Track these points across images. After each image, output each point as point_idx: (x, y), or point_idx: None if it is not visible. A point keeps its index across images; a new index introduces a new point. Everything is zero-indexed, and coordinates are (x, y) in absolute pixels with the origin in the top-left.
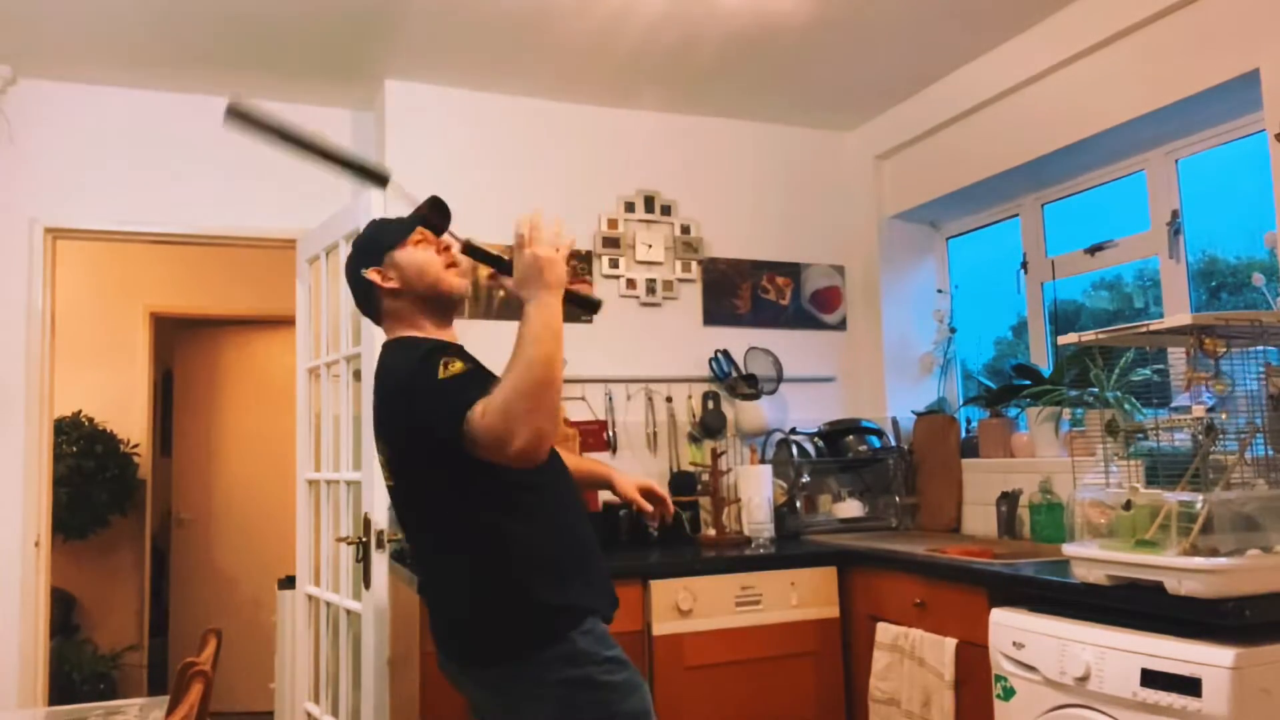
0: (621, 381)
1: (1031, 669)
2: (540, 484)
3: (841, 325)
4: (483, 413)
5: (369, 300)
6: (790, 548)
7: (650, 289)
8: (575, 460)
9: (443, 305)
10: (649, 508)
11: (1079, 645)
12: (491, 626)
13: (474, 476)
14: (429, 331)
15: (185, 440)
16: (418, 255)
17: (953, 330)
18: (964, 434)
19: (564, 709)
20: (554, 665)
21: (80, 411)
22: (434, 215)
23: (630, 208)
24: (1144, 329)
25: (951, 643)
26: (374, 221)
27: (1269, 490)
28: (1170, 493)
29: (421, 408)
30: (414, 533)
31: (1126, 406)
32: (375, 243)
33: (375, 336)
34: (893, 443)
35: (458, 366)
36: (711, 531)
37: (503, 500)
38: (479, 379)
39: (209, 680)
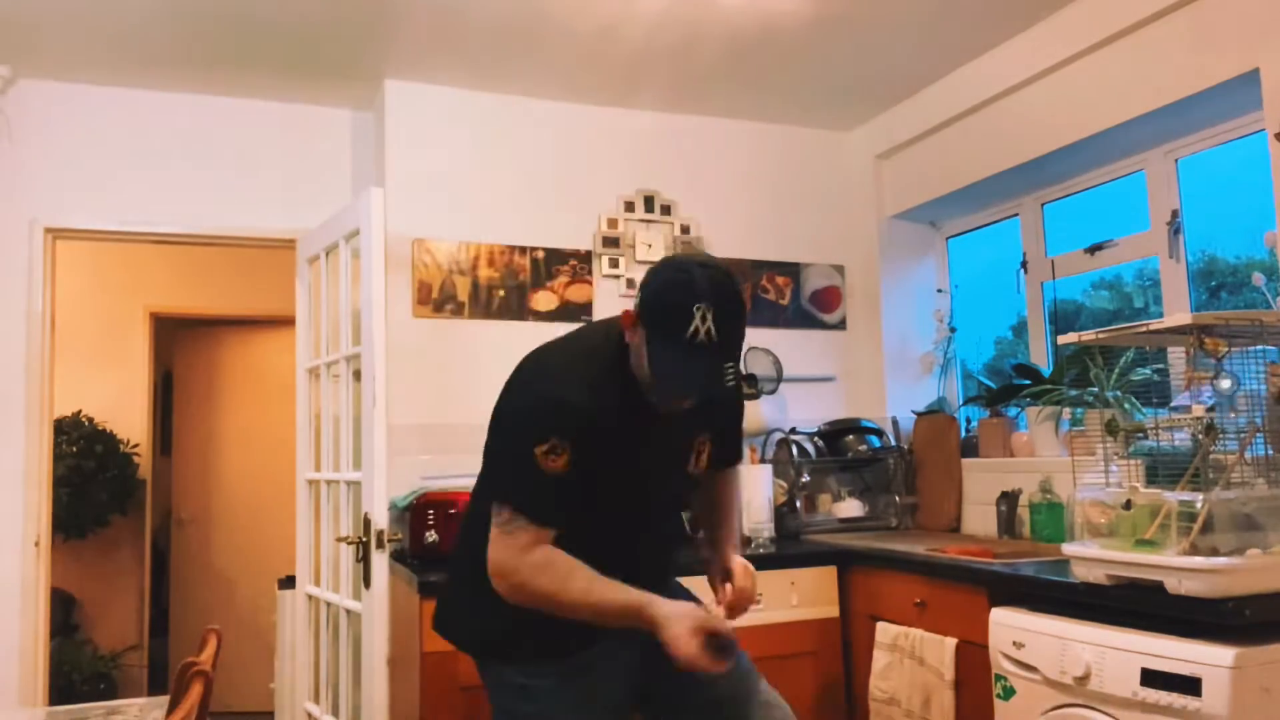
0: None
1: (1031, 669)
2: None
3: (841, 325)
4: (513, 539)
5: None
6: (790, 547)
7: None
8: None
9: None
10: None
11: (1079, 645)
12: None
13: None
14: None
15: (185, 440)
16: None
17: (953, 330)
18: (964, 434)
19: None
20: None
21: (80, 411)
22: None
23: (630, 207)
24: (1144, 329)
25: (951, 642)
26: (686, 300)
27: (1269, 490)
28: (1170, 492)
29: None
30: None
31: (1126, 406)
32: (651, 315)
33: (375, 336)
34: (893, 442)
35: (559, 463)
36: None
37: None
38: (561, 488)
39: (209, 680)
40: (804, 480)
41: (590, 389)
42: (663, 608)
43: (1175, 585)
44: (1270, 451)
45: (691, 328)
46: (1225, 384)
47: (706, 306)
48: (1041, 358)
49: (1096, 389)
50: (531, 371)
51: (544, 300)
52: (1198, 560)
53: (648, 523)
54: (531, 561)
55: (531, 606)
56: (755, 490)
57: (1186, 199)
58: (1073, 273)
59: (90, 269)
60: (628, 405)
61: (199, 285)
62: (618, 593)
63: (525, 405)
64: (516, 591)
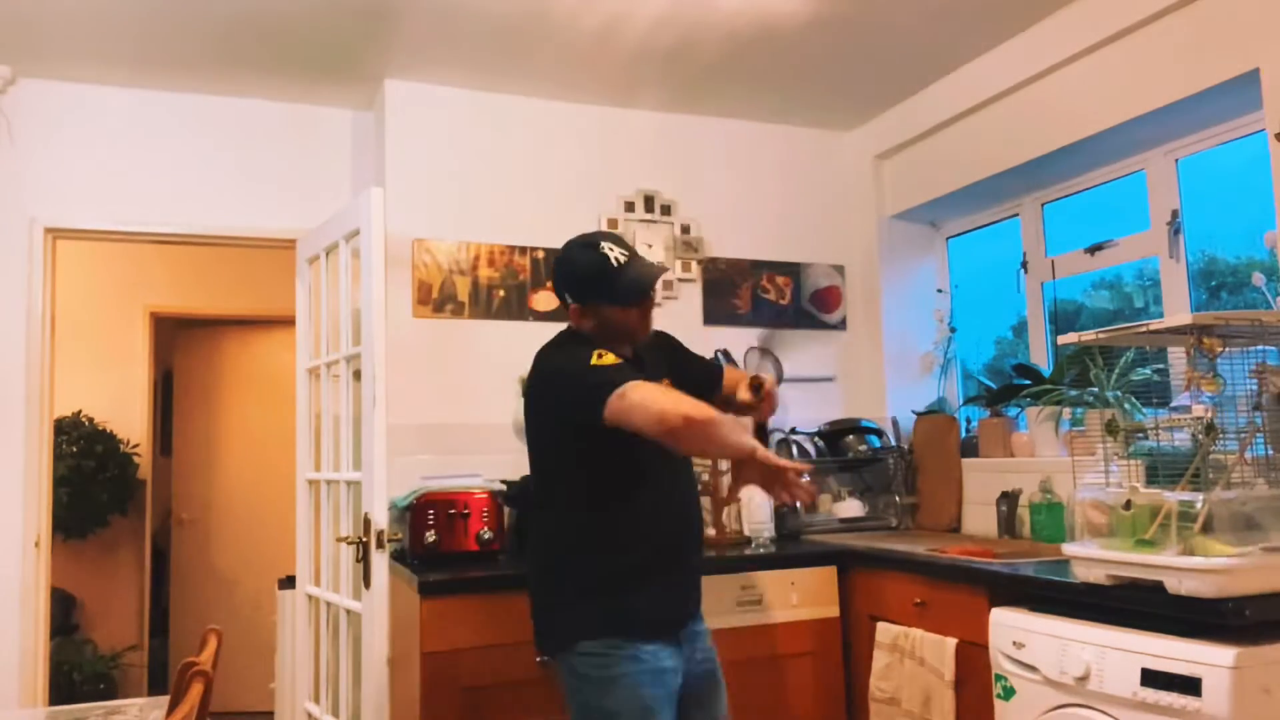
0: None
1: (1032, 668)
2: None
3: (841, 325)
4: (638, 391)
5: (562, 305)
6: (790, 547)
7: None
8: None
9: (615, 342)
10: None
11: (1079, 645)
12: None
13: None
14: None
15: (185, 440)
16: (627, 318)
17: (953, 330)
18: (964, 434)
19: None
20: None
21: (80, 411)
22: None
23: (630, 208)
24: (1144, 329)
25: (952, 642)
26: (599, 260)
27: (1269, 490)
28: (1170, 492)
29: (577, 390)
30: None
31: (1126, 406)
32: (589, 287)
33: (375, 336)
34: (893, 442)
35: (610, 358)
36: (712, 531)
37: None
38: (627, 368)
39: (209, 680)
40: (804, 480)
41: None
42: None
43: (1175, 585)
44: (1270, 451)
45: (612, 258)
46: (1216, 388)
47: (607, 243)
48: (1041, 358)
49: (1096, 389)
50: (550, 358)
51: (544, 300)
52: (1198, 560)
53: (676, 471)
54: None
55: (702, 431)
56: (755, 489)
57: (1186, 199)
58: (1073, 273)
59: (90, 269)
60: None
61: (199, 285)
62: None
63: (561, 362)
64: (690, 419)
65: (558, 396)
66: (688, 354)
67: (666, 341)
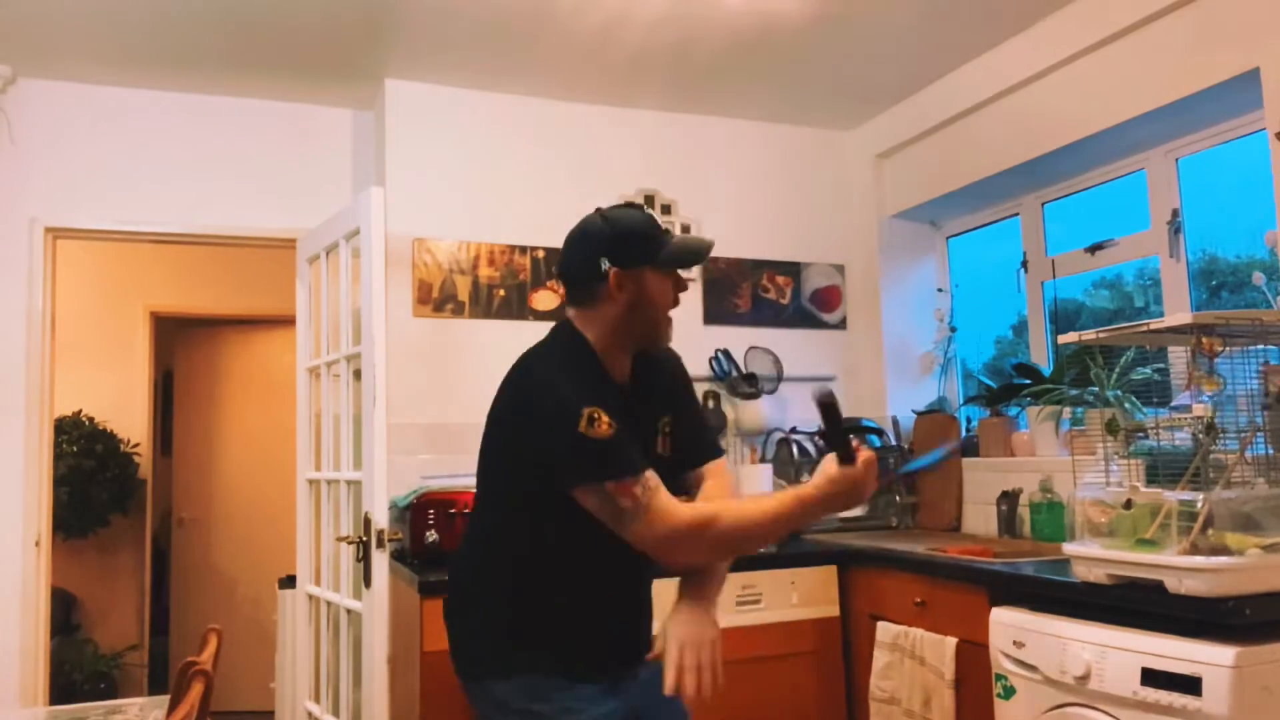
0: None
1: (1032, 668)
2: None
3: (842, 324)
4: (657, 504)
5: (586, 283)
6: (790, 547)
7: None
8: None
9: (636, 343)
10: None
11: (1079, 644)
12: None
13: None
14: (601, 349)
15: (185, 440)
16: (664, 295)
17: (953, 329)
18: (964, 433)
19: None
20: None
21: (80, 411)
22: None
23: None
24: (1144, 328)
25: (952, 642)
26: (648, 218)
27: (1269, 489)
28: (1170, 492)
29: (553, 450)
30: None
31: (1127, 405)
32: (638, 245)
33: (375, 335)
34: (893, 442)
35: (605, 424)
36: None
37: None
38: (621, 447)
39: (210, 679)
40: (804, 480)
41: (583, 380)
42: (816, 484)
43: (1175, 585)
44: (1270, 451)
45: (664, 229)
46: (1217, 387)
47: (652, 215)
48: (1042, 357)
49: (1097, 388)
50: (535, 380)
51: (544, 300)
52: (1198, 560)
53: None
54: (700, 507)
55: (730, 551)
56: (756, 490)
57: (1187, 198)
58: (1073, 272)
59: (90, 269)
60: (608, 391)
61: (199, 285)
62: (773, 497)
63: (547, 401)
64: (718, 540)
65: (535, 446)
66: (694, 406)
67: (680, 372)
